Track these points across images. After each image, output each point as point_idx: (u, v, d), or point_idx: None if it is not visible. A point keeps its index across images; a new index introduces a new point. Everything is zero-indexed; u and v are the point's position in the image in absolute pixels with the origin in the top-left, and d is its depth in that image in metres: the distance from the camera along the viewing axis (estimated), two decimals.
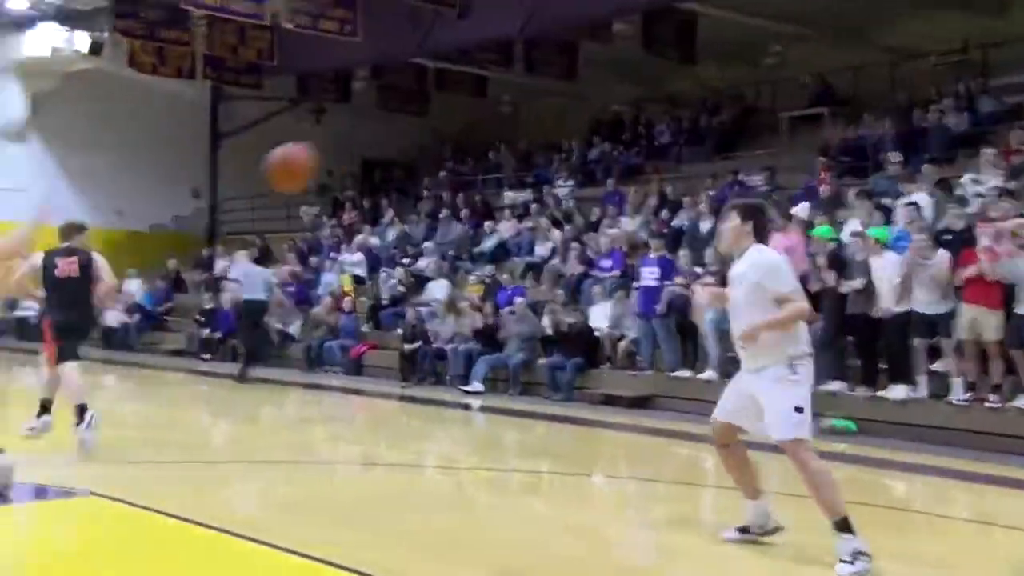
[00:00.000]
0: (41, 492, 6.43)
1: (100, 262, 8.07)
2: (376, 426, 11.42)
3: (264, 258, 20.21)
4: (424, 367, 13.92)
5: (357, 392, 13.48)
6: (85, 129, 22.75)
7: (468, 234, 17.49)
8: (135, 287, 20.08)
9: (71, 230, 8.12)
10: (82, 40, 20.62)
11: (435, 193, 20.38)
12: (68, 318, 7.91)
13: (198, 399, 13.44)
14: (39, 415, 8.02)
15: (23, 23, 20.99)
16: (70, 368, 7.79)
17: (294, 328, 16.44)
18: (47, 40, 20.93)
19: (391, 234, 18.79)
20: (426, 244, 17.35)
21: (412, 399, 12.75)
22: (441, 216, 18.41)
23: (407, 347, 14.15)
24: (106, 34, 20.37)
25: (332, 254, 18.59)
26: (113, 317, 18.95)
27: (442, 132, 24.50)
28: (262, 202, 22.85)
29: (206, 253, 21.51)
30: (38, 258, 7.91)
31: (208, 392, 14.05)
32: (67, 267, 7.93)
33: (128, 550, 5.14)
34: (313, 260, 18.66)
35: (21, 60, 21.58)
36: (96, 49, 20.64)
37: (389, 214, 19.57)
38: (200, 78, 21.87)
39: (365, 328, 15.78)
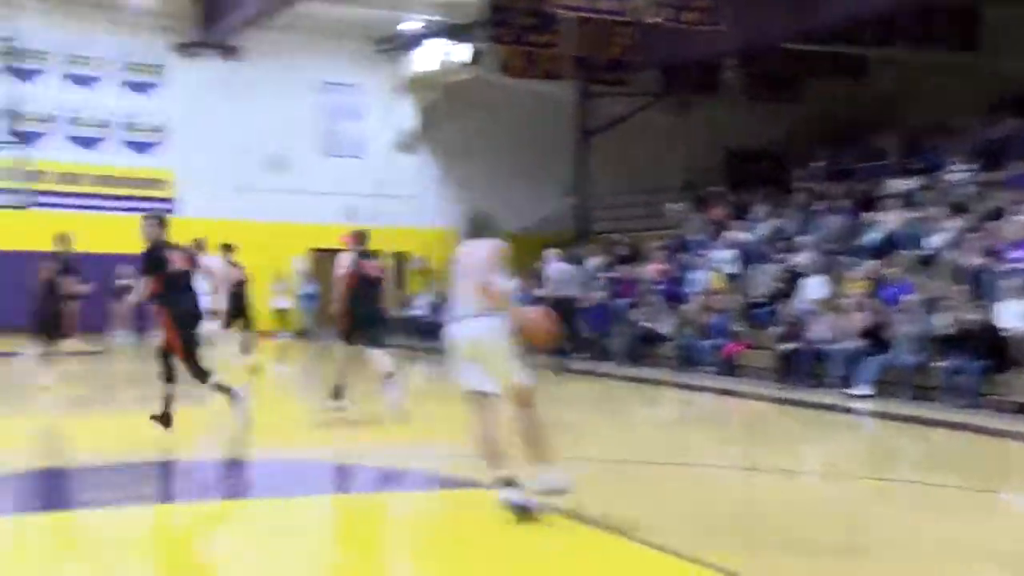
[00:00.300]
0: (436, 482, 7.05)
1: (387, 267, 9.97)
2: (753, 429, 11.27)
3: (633, 256, 20.69)
4: (802, 368, 13.52)
5: (730, 393, 13.34)
6: (464, 136, 24.75)
7: (848, 226, 16.70)
8: (512, 287, 21.38)
9: (365, 237, 9.90)
10: (463, 52, 22.40)
11: (808, 184, 19.69)
12: (369, 311, 9.59)
13: (573, 398, 14.02)
14: (335, 397, 9.79)
15: (415, 41, 23.25)
16: (376, 353, 9.69)
17: (665, 327, 16.64)
18: (434, 55, 23.03)
19: (763, 229, 18.41)
20: (801, 238, 16.82)
21: (789, 401, 12.41)
22: (816, 208, 17.75)
23: (783, 347, 13.82)
24: (483, 44, 21.97)
25: (701, 251, 18.58)
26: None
27: (816, 118, 23.62)
28: (629, 200, 23.45)
29: (575, 253, 22.39)
30: (348, 259, 9.67)
31: (581, 390, 14.61)
32: (372, 269, 9.64)
33: (510, 542, 5.44)
34: (682, 257, 18.75)
35: (412, 76, 23.92)
36: (475, 59, 22.35)
37: (760, 208, 19.19)
38: (567, 78, 22.87)
39: (737, 327, 15.57)
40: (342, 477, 7.36)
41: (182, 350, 8.22)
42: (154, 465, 7.86)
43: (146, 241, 8.37)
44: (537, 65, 22.48)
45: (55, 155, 22.23)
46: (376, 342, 9.70)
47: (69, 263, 11.82)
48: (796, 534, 5.66)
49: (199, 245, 12.56)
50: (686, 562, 4.92)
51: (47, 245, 20.90)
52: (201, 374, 8.34)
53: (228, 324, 13.21)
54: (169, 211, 23.13)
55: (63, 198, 22.36)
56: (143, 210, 22.67)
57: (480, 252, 5.52)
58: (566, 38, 20.99)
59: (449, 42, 22.61)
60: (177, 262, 8.33)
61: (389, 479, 7.21)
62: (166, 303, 8.20)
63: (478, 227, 5.77)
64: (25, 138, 21.68)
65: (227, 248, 13.92)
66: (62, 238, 12.00)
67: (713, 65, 23.07)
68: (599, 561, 5.19)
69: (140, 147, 23.17)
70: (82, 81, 22.72)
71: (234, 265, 13.53)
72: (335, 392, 9.87)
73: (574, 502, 6.01)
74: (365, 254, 9.75)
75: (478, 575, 4.93)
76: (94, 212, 22.30)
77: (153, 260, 8.21)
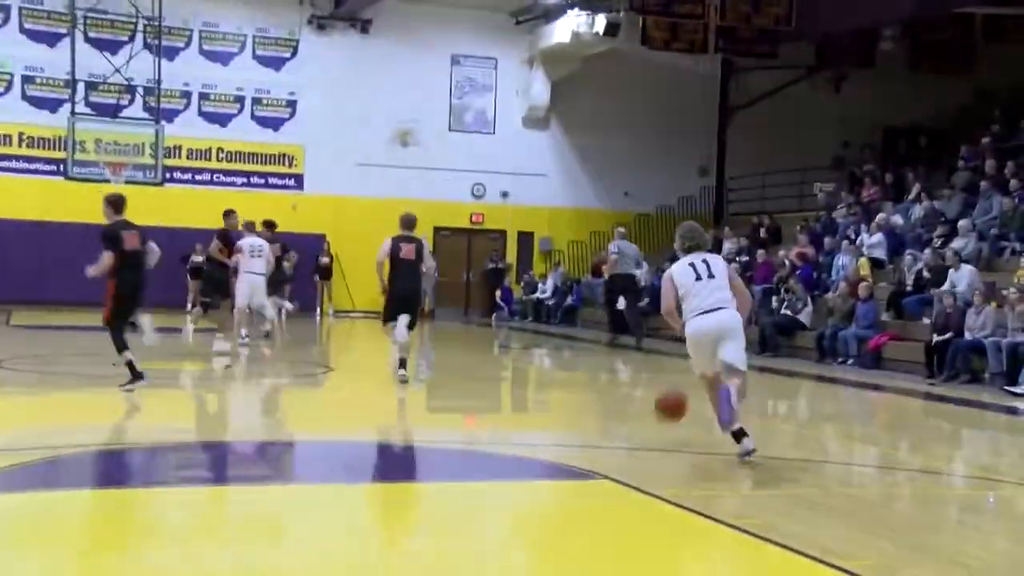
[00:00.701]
0: (556, 472, 6.94)
1: (427, 248, 10.80)
2: (896, 426, 10.71)
3: (773, 239, 20.08)
4: (956, 362, 12.81)
5: (874, 387, 12.82)
6: (598, 112, 24.44)
7: (1018, 209, 15.72)
8: (643, 270, 20.96)
9: (411, 223, 10.76)
10: (601, 23, 22.05)
11: (974, 163, 18.65)
12: (402, 289, 10.59)
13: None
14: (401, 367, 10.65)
15: (554, 12, 23.06)
16: (399, 324, 10.51)
17: (804, 315, 16.10)
18: (568, 27, 22.78)
19: (917, 211, 17.59)
20: (961, 222, 15.96)
21: (940, 398, 11.80)
22: (983, 188, 16.79)
23: (935, 339, 13.13)
24: (622, 14, 21.59)
25: (848, 234, 17.90)
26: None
27: (987, 91, 22.29)
28: (772, 180, 22.75)
29: (712, 235, 21.87)
30: (388, 244, 10.49)
31: None
32: (408, 251, 10.51)
33: (637, 536, 5.30)
34: (827, 241, 18.12)
35: (547, 48, 23.74)
36: (611, 30, 21.96)
37: (915, 188, 18.31)
38: (711, 51, 22.31)
39: (885, 317, 14.98)
40: (456, 464, 7.31)
41: (111, 319, 9.29)
42: (265, 446, 8.01)
43: (106, 220, 9.48)
44: (680, 37, 21.96)
45: (187, 131, 23.07)
46: (410, 321, 10.66)
47: (229, 237, 13.23)
48: (947, 539, 5.29)
49: (248, 227, 14.14)
50: (815, 563, 4.66)
51: (178, 221, 22.01)
52: (119, 345, 9.27)
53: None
54: (298, 187, 23.79)
55: (194, 174, 23.23)
56: (272, 187, 23.66)
57: (719, 263, 7.06)
58: (711, 9, 20.44)
59: (586, 13, 22.29)
60: (131, 242, 9.36)
61: (504, 468, 7.11)
62: (115, 278, 9.28)
63: (697, 241, 7.12)
64: (160, 115, 22.58)
65: (269, 225, 15.05)
66: (227, 214, 13.54)
67: (872, 36, 22.11)
68: (723, 556, 5.07)
69: (270, 123, 23.82)
70: (216, 57, 23.49)
71: (272, 242, 14.60)
72: (400, 363, 10.71)
73: (705, 500, 5.80)
74: (404, 238, 10.64)
75: (598, 567, 4.79)
76: (223, 188, 23.08)
77: (109, 238, 9.29)
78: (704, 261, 6.93)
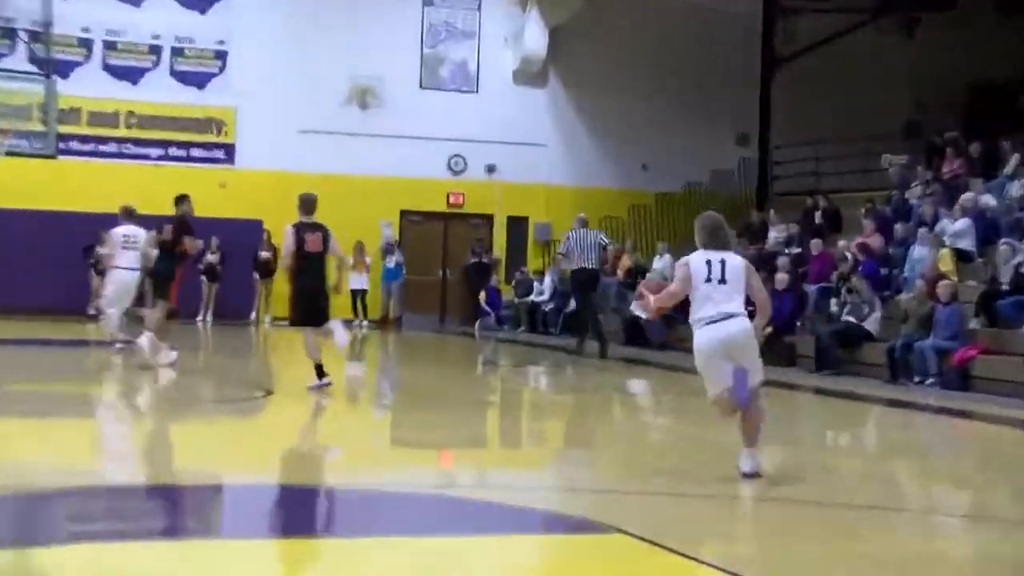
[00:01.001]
0: (555, 523, 6.95)
1: (333, 236, 11.65)
2: (991, 464, 10.73)
3: (832, 226, 20.12)
4: None
5: (962, 414, 12.87)
6: (608, 66, 24.45)
7: None
8: (666, 265, 20.99)
9: (313, 205, 11.60)
10: None
11: None
12: (310, 288, 11.54)
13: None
14: (319, 377, 11.59)
15: None
16: (308, 332, 11.60)
17: (870, 322, 16.16)
18: None
19: (1014, 189, 17.66)
20: None
21: None
22: None
23: None
24: None
25: (926, 219, 17.96)
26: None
27: None
28: (829, 151, 22.80)
29: (756, 219, 21.93)
30: (291, 233, 11.36)
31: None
32: (313, 242, 11.36)
33: None
34: (899, 228, 18.20)
35: None
36: None
37: (1012, 161, 18.39)
38: None
39: (973, 324, 15.05)
40: (429, 513, 7.27)
41: None
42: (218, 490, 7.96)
43: None
44: None
45: (88, 90, 23.00)
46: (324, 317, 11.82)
47: (189, 226, 13.99)
48: None
49: (128, 213, 15.03)
50: None
51: (76, 203, 21.91)
52: None
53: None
54: (228, 161, 23.73)
55: (96, 144, 23.15)
56: (196, 160, 23.60)
57: (735, 262, 7.82)
58: None
59: None
60: None
61: (489, 518, 7.09)
62: None
63: (722, 239, 7.93)
64: (52, 68, 22.47)
65: (129, 213, 15.33)
66: (179, 200, 14.22)
67: None
68: None
69: (194, 79, 23.76)
70: None
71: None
72: (317, 371, 11.59)
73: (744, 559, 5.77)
74: (308, 226, 11.49)
75: None
76: (133, 162, 23.02)
77: None
78: (722, 261, 7.75)
